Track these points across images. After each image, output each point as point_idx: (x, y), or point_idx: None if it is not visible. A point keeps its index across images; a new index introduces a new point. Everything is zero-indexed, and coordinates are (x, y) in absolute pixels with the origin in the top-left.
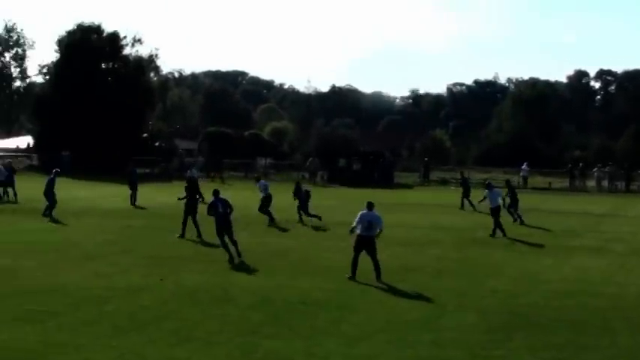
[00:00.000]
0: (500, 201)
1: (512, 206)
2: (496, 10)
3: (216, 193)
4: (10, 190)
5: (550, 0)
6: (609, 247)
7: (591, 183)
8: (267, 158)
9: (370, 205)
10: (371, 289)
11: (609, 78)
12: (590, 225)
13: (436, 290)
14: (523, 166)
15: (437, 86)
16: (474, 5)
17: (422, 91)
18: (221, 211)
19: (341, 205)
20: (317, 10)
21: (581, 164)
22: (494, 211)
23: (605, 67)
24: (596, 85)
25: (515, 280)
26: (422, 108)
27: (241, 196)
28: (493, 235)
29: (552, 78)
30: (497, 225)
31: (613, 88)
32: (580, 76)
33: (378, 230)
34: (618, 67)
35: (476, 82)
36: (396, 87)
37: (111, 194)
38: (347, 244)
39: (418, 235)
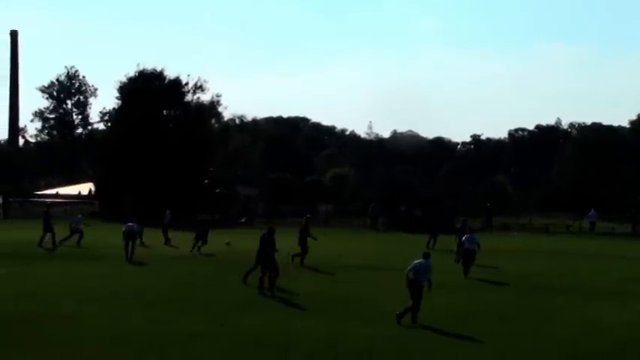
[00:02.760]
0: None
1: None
2: (558, 54)
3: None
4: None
5: (611, 45)
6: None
7: None
8: (328, 204)
9: (425, 255)
10: (431, 333)
11: None
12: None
13: (497, 336)
14: (591, 212)
15: (498, 131)
16: (533, 49)
17: (483, 137)
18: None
19: (401, 251)
20: (379, 57)
21: (633, 210)
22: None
23: None
24: None
25: (576, 326)
26: (483, 153)
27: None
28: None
29: (615, 123)
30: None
31: None
32: None
33: (427, 280)
34: None
35: (538, 127)
36: (458, 132)
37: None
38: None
39: (478, 279)
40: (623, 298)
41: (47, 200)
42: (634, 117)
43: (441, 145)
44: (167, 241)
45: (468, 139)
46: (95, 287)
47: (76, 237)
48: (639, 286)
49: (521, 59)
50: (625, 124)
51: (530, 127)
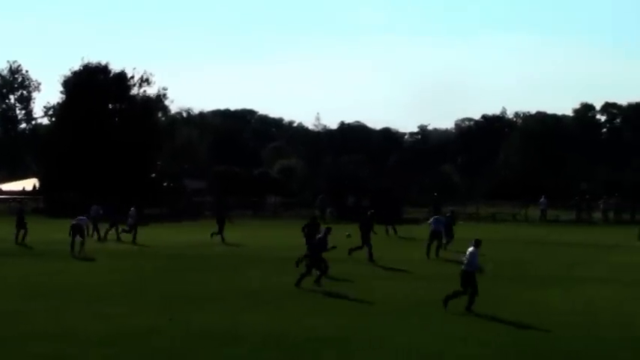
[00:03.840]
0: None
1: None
2: (503, 44)
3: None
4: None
5: (554, 31)
6: (616, 278)
7: (598, 215)
8: (276, 196)
9: (475, 242)
10: (381, 322)
11: (614, 111)
12: (597, 256)
13: (444, 323)
14: (541, 200)
15: (445, 121)
16: (477, 39)
17: (430, 127)
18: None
19: (348, 242)
20: (325, 48)
21: (587, 196)
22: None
23: (611, 100)
24: (602, 118)
25: (523, 312)
26: (430, 143)
27: (250, 235)
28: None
29: (559, 112)
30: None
31: (618, 120)
32: (586, 109)
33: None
34: (623, 100)
35: (484, 116)
36: (405, 123)
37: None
38: (358, 282)
39: (428, 269)
40: (569, 283)
41: (19, 197)
42: (578, 106)
43: (388, 135)
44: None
45: (415, 129)
46: (41, 283)
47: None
48: (585, 271)
49: (466, 49)
50: (569, 112)
51: (476, 116)
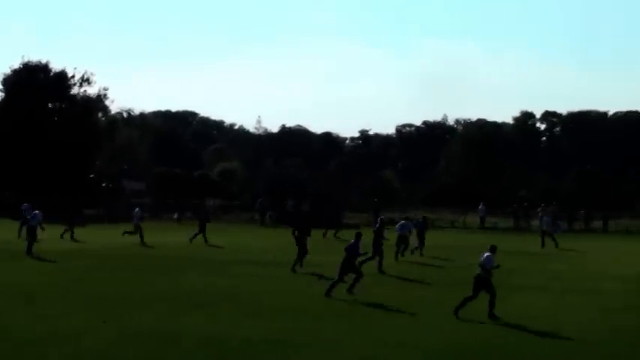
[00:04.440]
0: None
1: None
2: (444, 50)
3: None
4: None
5: (495, 40)
6: (550, 286)
7: (535, 223)
8: (215, 199)
9: (491, 248)
10: (315, 327)
11: (554, 120)
12: (533, 264)
13: (380, 328)
14: (480, 207)
15: (386, 127)
16: (420, 45)
17: (371, 132)
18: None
19: (288, 246)
20: (267, 51)
21: (525, 204)
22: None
23: (551, 109)
24: (542, 126)
25: (460, 318)
26: (371, 149)
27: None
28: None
29: (500, 119)
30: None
31: (558, 129)
32: (526, 117)
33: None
34: (563, 109)
35: (425, 123)
36: (346, 128)
37: (55, 235)
38: (294, 286)
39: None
40: (507, 291)
41: None
42: (517, 114)
43: (329, 140)
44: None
45: (356, 134)
46: None
47: None
48: (520, 279)
49: (408, 55)
50: (510, 120)
51: (418, 123)
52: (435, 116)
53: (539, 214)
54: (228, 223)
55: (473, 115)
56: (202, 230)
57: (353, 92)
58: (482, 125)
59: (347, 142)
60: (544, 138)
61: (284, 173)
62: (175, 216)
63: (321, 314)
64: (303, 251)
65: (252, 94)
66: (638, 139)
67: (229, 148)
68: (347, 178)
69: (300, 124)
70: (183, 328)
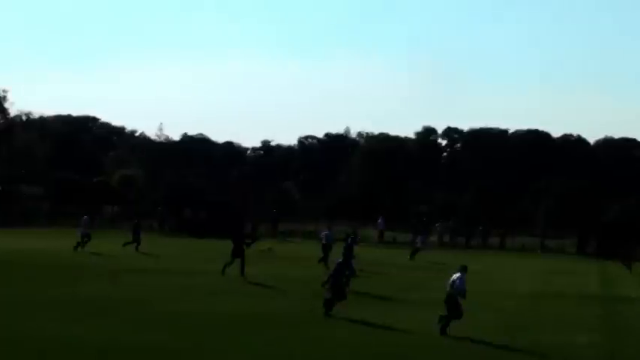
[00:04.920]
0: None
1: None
2: (348, 64)
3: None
4: None
5: (399, 56)
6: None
7: (434, 238)
8: (114, 206)
9: (462, 268)
10: (209, 337)
11: (455, 135)
12: (432, 279)
13: (273, 341)
14: (379, 221)
15: (289, 138)
16: (327, 56)
17: (274, 143)
18: None
19: (185, 254)
20: (171, 59)
21: (424, 219)
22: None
23: (452, 125)
24: (443, 142)
25: (356, 331)
26: (273, 159)
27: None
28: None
29: (402, 134)
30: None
31: (459, 145)
32: (428, 132)
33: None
34: (464, 125)
35: (327, 135)
36: (249, 138)
37: None
38: (187, 295)
39: (258, 284)
40: (405, 306)
41: None
42: (419, 128)
43: (231, 149)
44: None
45: (258, 144)
46: None
47: None
48: (421, 294)
49: (312, 67)
50: (411, 135)
51: (320, 135)
52: (337, 129)
53: (438, 229)
54: (128, 230)
55: (375, 129)
56: (137, 239)
57: (256, 102)
58: (384, 139)
59: (249, 152)
60: (445, 154)
61: (184, 181)
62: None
63: (208, 324)
64: (242, 259)
65: (154, 101)
66: (537, 158)
67: (129, 155)
68: (248, 188)
69: (203, 132)
70: (72, 338)
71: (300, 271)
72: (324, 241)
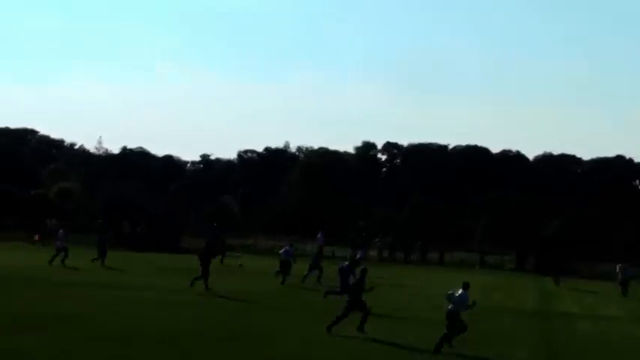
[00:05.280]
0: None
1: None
2: (287, 79)
3: None
4: None
5: (340, 70)
6: (390, 314)
7: (373, 253)
8: (52, 219)
9: (464, 285)
10: (150, 350)
11: (395, 151)
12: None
13: (215, 355)
14: (319, 235)
15: (228, 152)
16: (268, 70)
17: (213, 157)
18: None
19: (124, 268)
20: (110, 72)
21: (364, 234)
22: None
23: (392, 140)
24: (383, 157)
25: (306, 344)
26: (212, 173)
27: (25, 256)
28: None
29: (341, 148)
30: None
31: (398, 160)
32: (367, 147)
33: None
34: (404, 140)
35: (267, 149)
36: (188, 151)
37: None
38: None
39: (203, 297)
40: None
41: None
42: (359, 143)
43: (170, 163)
44: None
45: (197, 158)
46: None
47: None
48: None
49: (252, 83)
50: (351, 150)
51: (260, 149)
52: (277, 143)
53: (377, 244)
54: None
55: (315, 143)
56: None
57: (196, 116)
58: (323, 153)
59: (188, 165)
60: (384, 169)
61: (122, 194)
62: (36, 237)
63: (152, 339)
64: (206, 273)
65: (94, 114)
66: (476, 174)
67: (68, 168)
68: (187, 202)
69: (142, 146)
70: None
71: (241, 284)
72: (282, 257)
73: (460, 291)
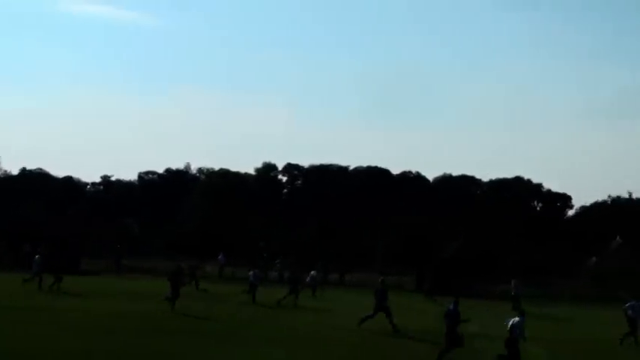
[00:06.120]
0: None
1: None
2: (189, 98)
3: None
4: None
5: (240, 94)
6: (290, 336)
7: (274, 274)
8: None
9: (522, 313)
10: None
11: (295, 172)
12: (271, 315)
13: None
14: (220, 256)
15: (129, 173)
16: (168, 91)
17: (114, 178)
18: None
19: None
20: (12, 92)
21: (265, 255)
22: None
23: (293, 162)
24: (284, 178)
25: None
26: (113, 194)
27: None
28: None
29: (242, 170)
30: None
31: (299, 182)
32: (268, 169)
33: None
34: (305, 162)
35: (167, 170)
36: (88, 173)
37: None
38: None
39: (98, 320)
40: (237, 343)
41: None
42: (260, 165)
43: (70, 184)
44: None
45: (98, 179)
46: None
47: None
48: (255, 331)
49: (152, 101)
50: (251, 171)
51: (161, 170)
52: (178, 164)
53: (278, 265)
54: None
55: (216, 165)
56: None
57: (97, 137)
58: (224, 175)
59: (88, 187)
60: (285, 190)
61: (21, 216)
62: None
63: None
64: (175, 294)
65: None
66: (377, 194)
67: None
68: (87, 223)
69: (42, 167)
70: None
71: (138, 304)
72: (251, 279)
73: (516, 319)
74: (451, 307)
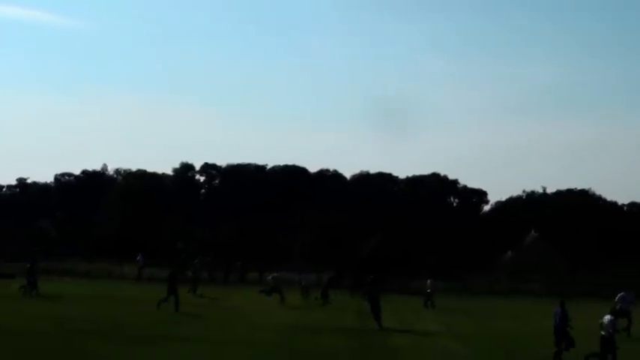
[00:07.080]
0: None
1: None
2: (106, 99)
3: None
4: None
5: (156, 94)
6: (205, 336)
7: (189, 273)
8: None
9: (613, 312)
10: None
11: (213, 172)
12: (190, 315)
13: None
14: (138, 258)
15: (45, 175)
16: (82, 91)
17: (30, 180)
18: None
19: None
20: None
21: (184, 255)
22: None
23: (210, 161)
24: (202, 178)
25: None
26: (29, 197)
27: None
28: None
29: (159, 170)
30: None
31: (217, 181)
32: (185, 169)
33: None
34: (222, 161)
35: (84, 172)
36: (3, 175)
37: None
38: None
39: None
40: (166, 341)
41: None
42: (177, 165)
43: None
44: None
45: (13, 181)
46: None
47: None
48: (181, 329)
49: (68, 101)
50: (169, 171)
51: (77, 172)
52: (94, 165)
53: (196, 264)
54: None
55: (133, 166)
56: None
57: (11, 138)
58: (141, 175)
59: (4, 189)
60: (203, 190)
61: None
62: None
63: None
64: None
65: None
66: (294, 193)
67: None
68: (2, 226)
69: None
70: None
71: (60, 308)
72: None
73: (607, 317)
74: (558, 308)
